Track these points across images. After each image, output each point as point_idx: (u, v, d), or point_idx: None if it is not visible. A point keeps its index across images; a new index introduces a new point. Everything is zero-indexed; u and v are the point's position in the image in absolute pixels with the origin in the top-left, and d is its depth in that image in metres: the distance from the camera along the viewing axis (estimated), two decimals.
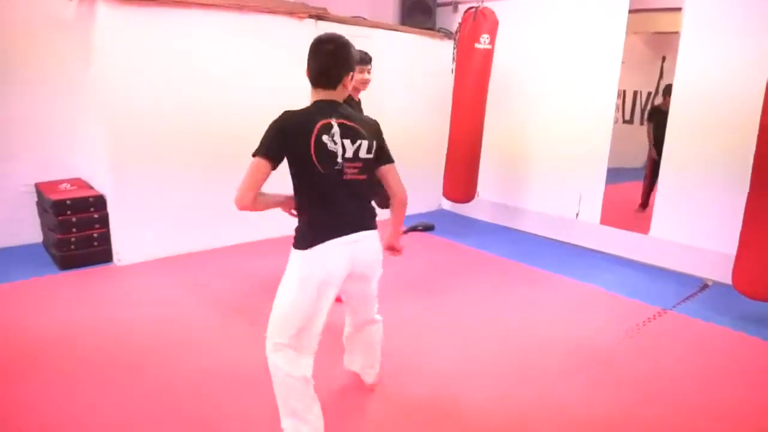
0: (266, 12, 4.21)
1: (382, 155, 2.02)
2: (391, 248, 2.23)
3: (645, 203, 5.51)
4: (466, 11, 4.47)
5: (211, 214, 4.23)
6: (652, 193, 5.22)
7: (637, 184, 5.81)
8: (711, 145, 3.93)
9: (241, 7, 4.05)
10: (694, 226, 4.10)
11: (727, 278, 3.81)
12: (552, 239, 5.01)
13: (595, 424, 2.29)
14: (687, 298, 3.72)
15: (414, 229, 5.09)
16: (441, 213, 5.90)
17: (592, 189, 4.72)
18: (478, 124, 4.59)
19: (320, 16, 4.55)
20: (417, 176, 5.57)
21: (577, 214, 4.85)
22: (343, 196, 1.89)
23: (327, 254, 1.88)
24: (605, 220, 4.68)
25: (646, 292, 3.79)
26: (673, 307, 3.56)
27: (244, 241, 4.47)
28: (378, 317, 2.35)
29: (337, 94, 1.93)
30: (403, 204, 2.13)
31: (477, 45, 4.34)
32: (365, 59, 3.11)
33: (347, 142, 1.86)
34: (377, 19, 5.19)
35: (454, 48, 4.56)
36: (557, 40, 4.80)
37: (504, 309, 3.47)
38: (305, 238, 1.89)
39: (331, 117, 1.85)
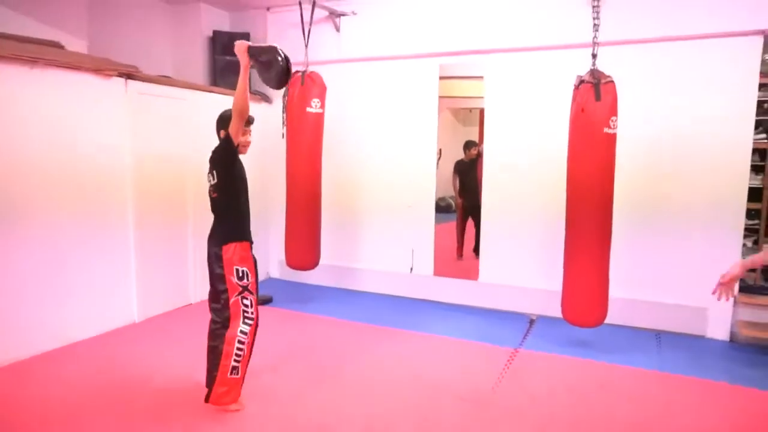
0: (66, 68, 3.53)
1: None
2: None
3: (461, 250, 5.96)
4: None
5: None
6: (465, 238, 5.73)
7: (440, 226, 6.24)
8: (522, 192, 4.55)
9: (33, 61, 3.31)
10: (515, 268, 4.64)
11: (547, 311, 4.39)
12: (390, 295, 5.13)
13: None
14: (526, 335, 4.14)
15: None
16: (272, 282, 5.57)
17: (423, 243, 5.02)
18: (317, 189, 4.52)
19: (130, 74, 4.00)
20: None
21: (411, 269, 5.08)
22: None
23: None
24: (438, 271, 5.00)
25: (492, 335, 4.11)
26: (520, 345, 3.92)
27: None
28: None
29: None
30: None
31: (309, 109, 4.32)
32: (248, 120, 2.79)
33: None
34: (186, 80, 4.79)
35: (283, 112, 4.45)
36: (380, 102, 5.09)
37: (378, 371, 3.41)
38: None
39: None
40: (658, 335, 4.14)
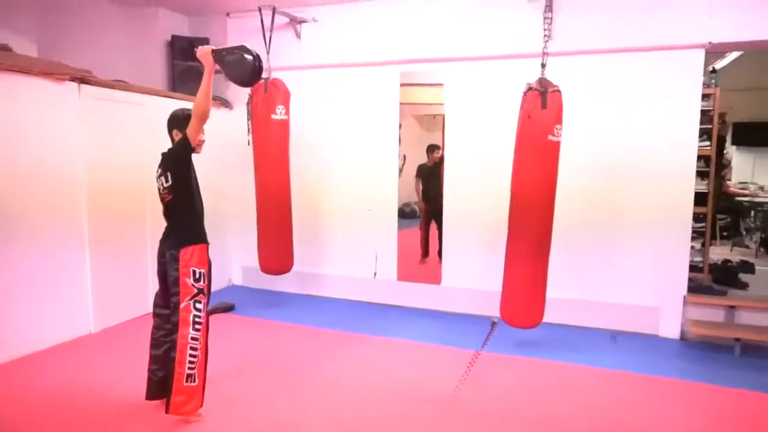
0: (14, 71, 3.40)
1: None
2: None
3: (426, 251, 6.00)
4: None
5: None
6: (431, 240, 5.78)
7: (404, 232, 6.24)
8: (483, 197, 4.62)
9: None
10: (478, 272, 4.71)
11: None
12: (354, 301, 5.13)
13: None
14: (488, 338, 4.20)
15: (214, 311, 4.59)
16: (233, 289, 5.49)
17: (386, 248, 5.04)
18: (288, 194, 4.51)
19: (84, 79, 3.90)
20: None
21: (374, 274, 5.09)
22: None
23: None
24: (401, 275, 5.03)
25: (454, 338, 4.16)
26: (482, 347, 3.98)
27: None
28: None
29: None
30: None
31: (273, 116, 4.29)
32: None
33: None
34: (144, 85, 4.69)
35: (248, 120, 4.42)
36: (342, 109, 5.10)
37: (341, 376, 3.42)
38: None
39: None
40: (614, 335, 4.28)
